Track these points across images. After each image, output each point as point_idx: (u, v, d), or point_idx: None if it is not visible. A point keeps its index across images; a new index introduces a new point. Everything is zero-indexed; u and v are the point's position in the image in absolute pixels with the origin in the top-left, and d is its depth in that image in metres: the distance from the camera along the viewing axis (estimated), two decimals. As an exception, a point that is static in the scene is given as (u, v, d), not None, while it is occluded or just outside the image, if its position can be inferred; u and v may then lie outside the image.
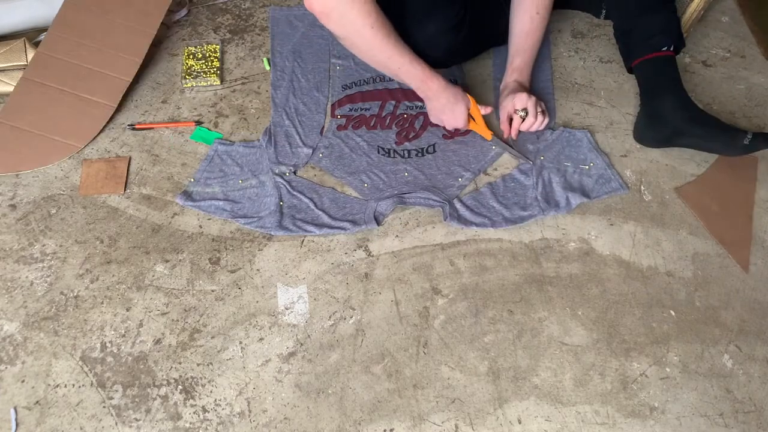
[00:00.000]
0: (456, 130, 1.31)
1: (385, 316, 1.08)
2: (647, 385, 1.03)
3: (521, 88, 1.27)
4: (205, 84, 1.37)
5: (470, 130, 1.31)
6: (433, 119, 1.29)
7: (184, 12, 1.51)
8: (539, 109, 1.25)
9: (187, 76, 1.37)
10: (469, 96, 1.26)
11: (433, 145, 1.29)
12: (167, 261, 1.13)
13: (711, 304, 1.12)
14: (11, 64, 1.31)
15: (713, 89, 1.43)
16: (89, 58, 1.32)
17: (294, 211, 1.19)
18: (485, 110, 1.28)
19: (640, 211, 1.23)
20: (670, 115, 1.24)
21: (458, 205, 1.21)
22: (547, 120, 1.28)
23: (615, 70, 1.45)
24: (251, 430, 0.97)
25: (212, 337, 1.05)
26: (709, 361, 1.06)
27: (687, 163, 1.30)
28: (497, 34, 1.37)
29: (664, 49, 1.27)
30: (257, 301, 1.09)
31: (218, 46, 1.43)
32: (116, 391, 0.99)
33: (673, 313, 1.11)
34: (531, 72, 1.31)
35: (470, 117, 1.28)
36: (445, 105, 1.23)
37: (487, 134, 1.29)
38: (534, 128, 1.26)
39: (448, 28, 1.23)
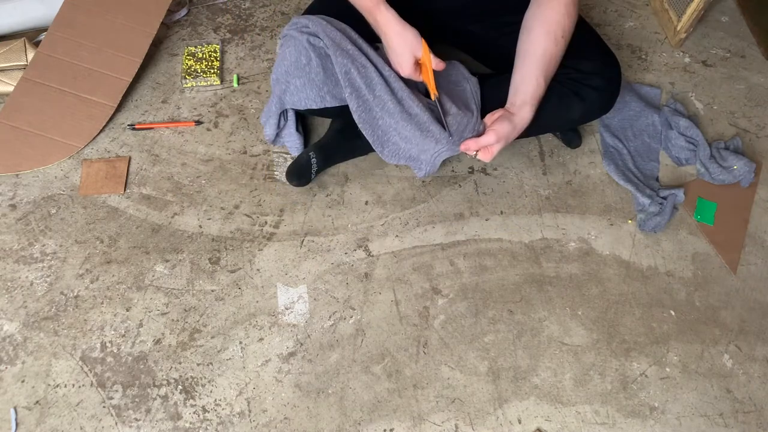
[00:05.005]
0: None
1: (385, 316, 1.08)
2: (647, 385, 1.03)
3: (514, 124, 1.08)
4: (205, 84, 1.37)
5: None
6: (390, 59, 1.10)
7: (184, 12, 1.51)
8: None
9: (187, 76, 1.37)
10: (424, 42, 1.07)
11: None
12: (167, 261, 1.13)
13: (711, 304, 1.12)
14: (11, 64, 1.31)
15: (713, 89, 1.43)
16: (89, 58, 1.32)
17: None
18: (438, 65, 1.08)
19: (640, 211, 1.23)
20: None
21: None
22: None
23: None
24: (251, 430, 0.97)
25: (212, 337, 1.05)
26: (709, 361, 1.06)
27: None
28: None
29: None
30: (257, 301, 1.09)
31: (218, 46, 1.43)
32: (116, 391, 0.99)
33: (673, 313, 1.11)
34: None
35: (419, 65, 1.09)
36: (394, 45, 1.06)
37: (433, 92, 1.09)
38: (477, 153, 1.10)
39: None
